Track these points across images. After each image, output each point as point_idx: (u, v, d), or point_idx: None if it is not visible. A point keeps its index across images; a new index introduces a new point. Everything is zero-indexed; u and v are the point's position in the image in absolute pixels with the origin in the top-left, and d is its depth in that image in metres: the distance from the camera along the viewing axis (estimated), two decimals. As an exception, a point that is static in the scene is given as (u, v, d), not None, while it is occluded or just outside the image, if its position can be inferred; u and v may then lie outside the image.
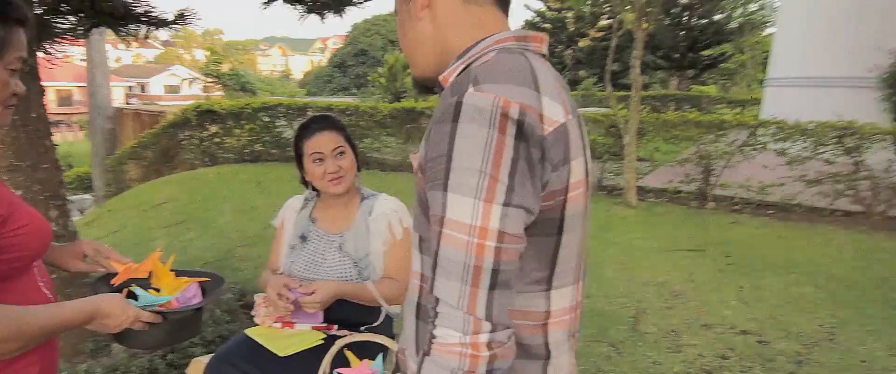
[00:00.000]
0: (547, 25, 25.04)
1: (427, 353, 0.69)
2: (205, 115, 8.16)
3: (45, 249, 1.02)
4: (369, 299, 1.69)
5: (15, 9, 0.88)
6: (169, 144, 8.92)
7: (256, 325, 1.73)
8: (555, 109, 0.70)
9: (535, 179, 0.68)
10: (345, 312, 1.69)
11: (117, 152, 9.32)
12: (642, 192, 5.69)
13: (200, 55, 48.75)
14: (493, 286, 0.66)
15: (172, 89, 38.77)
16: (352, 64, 32.29)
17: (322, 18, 3.76)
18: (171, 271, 1.26)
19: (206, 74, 14.77)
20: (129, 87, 35.82)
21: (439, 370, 0.67)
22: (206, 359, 1.88)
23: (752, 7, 20.96)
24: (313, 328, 1.69)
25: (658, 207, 5.38)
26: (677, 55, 19.74)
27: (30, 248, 0.96)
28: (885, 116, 6.67)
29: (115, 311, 1.02)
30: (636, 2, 4.85)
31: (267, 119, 8.10)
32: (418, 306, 0.86)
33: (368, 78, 15.51)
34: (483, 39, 0.78)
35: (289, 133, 8.03)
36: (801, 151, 5.04)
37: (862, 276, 3.56)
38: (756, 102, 13.74)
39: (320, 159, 1.69)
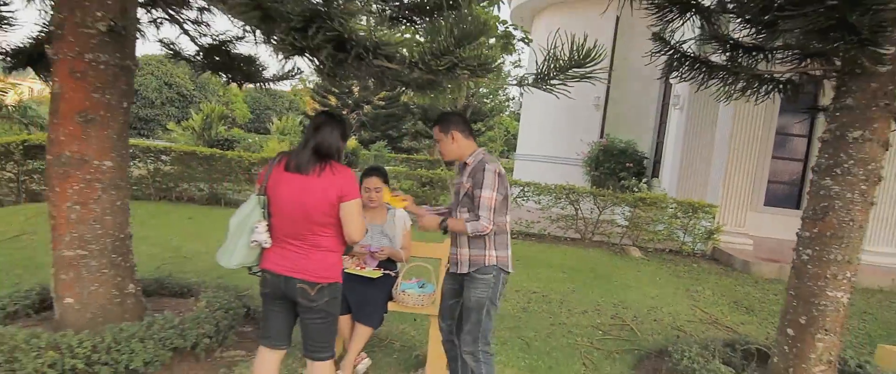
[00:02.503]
0: (334, 90, 27.35)
1: (476, 224, 2.68)
2: (32, 150, 8.00)
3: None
4: (397, 256, 3.50)
5: None
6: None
7: (346, 268, 3.38)
8: (502, 169, 2.81)
9: (504, 187, 2.76)
10: (384, 262, 3.47)
11: None
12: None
13: None
14: (493, 212, 2.70)
15: None
16: (115, 102, 29.33)
17: (227, 83, 5.17)
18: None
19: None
20: None
21: (478, 229, 2.67)
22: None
23: (499, 97, 26.71)
24: (374, 269, 3.41)
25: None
26: (445, 128, 24.05)
27: None
28: (588, 182, 10.51)
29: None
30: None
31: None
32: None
33: (182, 123, 15.45)
34: (476, 150, 2.85)
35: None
36: (548, 202, 8.07)
37: (582, 267, 6.41)
38: (507, 169, 17.97)
39: (367, 190, 3.47)
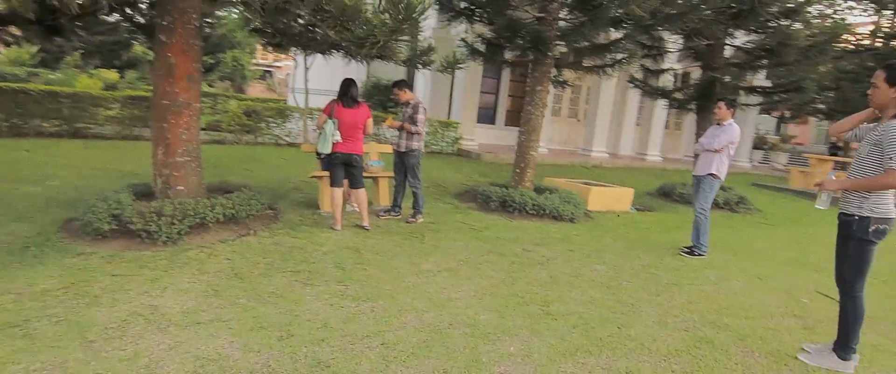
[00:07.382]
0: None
1: (415, 128, 6.36)
2: None
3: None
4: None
5: None
6: None
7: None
8: (425, 106, 6.54)
9: (425, 113, 6.48)
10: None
11: None
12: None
13: None
14: (421, 125, 6.43)
15: None
16: None
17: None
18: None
19: None
20: None
21: (414, 130, 6.38)
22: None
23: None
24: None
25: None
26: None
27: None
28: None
29: None
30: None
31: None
32: None
33: None
34: (415, 96, 6.48)
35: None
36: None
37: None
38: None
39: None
